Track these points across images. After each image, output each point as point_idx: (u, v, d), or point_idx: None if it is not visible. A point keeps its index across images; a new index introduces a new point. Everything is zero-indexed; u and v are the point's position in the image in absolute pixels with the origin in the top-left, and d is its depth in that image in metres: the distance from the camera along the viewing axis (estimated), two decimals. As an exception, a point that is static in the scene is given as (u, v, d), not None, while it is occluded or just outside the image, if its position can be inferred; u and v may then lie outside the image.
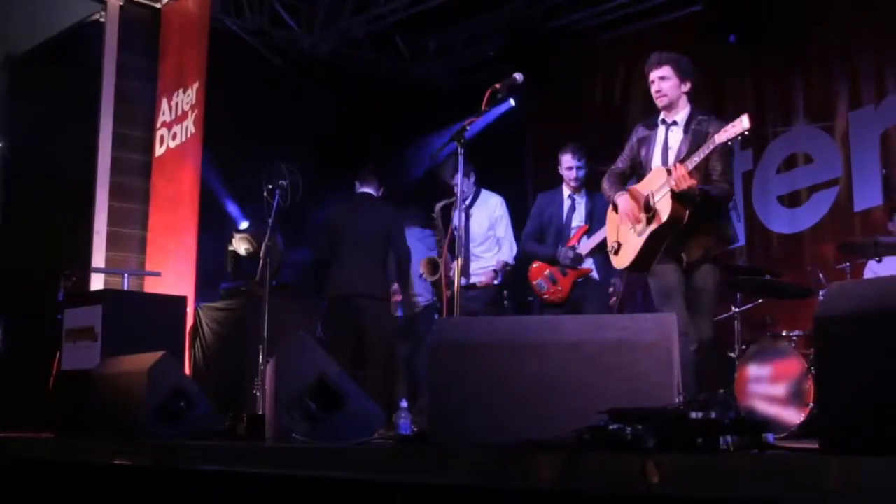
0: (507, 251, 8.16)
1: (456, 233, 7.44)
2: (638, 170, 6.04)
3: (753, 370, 7.14)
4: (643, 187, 5.85)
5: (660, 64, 5.86)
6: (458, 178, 6.23)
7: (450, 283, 7.13)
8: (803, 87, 9.55)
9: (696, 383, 5.37)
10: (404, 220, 8.75)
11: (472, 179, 8.09)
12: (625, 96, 10.73)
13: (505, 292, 7.97)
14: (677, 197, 5.54)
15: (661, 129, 5.92)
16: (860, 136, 9.07)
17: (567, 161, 7.79)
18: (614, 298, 7.63)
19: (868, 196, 8.91)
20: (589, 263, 7.64)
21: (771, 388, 7.00)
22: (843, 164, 9.15)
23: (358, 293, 8.20)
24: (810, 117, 9.46)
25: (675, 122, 5.87)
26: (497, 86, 5.92)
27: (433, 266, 7.78)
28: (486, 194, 8.25)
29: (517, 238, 8.16)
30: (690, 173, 5.47)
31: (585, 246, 7.60)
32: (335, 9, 11.00)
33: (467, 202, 7.89)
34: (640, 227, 5.79)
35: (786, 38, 9.41)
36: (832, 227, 9.14)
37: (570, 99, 11.17)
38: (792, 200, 9.53)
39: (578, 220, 7.76)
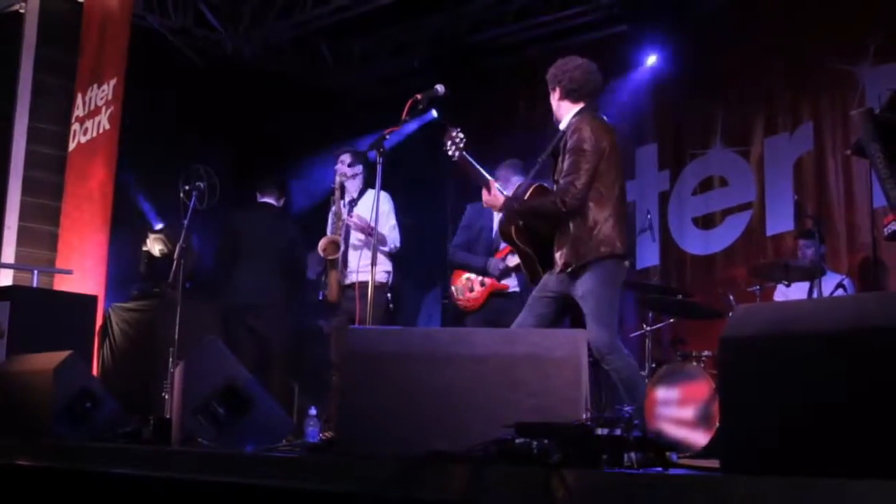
0: (391, 243, 7.79)
1: (351, 229, 7.48)
2: None
3: (662, 393, 7.18)
4: None
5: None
6: (377, 187, 6.22)
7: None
8: (721, 111, 9.71)
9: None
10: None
11: (361, 177, 7.95)
12: (546, 112, 10.79)
13: (389, 295, 7.88)
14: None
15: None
16: (774, 163, 9.24)
17: (516, 181, 7.39)
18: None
19: (780, 221, 9.07)
20: (512, 281, 7.63)
21: (679, 411, 7.06)
22: (757, 189, 9.32)
23: (261, 302, 8.15)
24: (727, 142, 9.62)
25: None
26: (418, 96, 5.91)
27: (335, 246, 7.66)
28: (371, 191, 7.94)
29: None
30: (532, 190, 5.65)
31: (513, 258, 7.57)
32: (260, 12, 10.93)
33: (354, 196, 7.83)
34: None
35: (707, 63, 9.57)
36: (744, 250, 9.30)
37: (492, 112, 11.22)
38: (706, 222, 9.67)
39: None
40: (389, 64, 11.98)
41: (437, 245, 11.30)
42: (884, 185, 3.51)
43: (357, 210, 7.78)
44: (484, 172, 5.80)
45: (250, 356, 7.96)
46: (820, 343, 2.56)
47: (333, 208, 7.80)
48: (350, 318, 7.42)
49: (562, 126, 5.66)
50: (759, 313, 2.81)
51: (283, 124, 11.05)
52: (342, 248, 7.58)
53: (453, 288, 7.82)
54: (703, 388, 6.91)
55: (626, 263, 5.64)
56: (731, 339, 2.74)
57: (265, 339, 8.17)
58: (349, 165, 7.80)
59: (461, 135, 5.73)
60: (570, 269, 5.40)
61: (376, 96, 12.11)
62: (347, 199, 7.82)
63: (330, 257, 7.58)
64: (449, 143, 5.74)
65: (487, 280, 7.62)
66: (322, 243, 7.61)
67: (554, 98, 5.73)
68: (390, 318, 8.02)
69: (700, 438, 6.73)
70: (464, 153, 5.73)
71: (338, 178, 7.79)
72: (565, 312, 5.63)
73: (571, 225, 5.42)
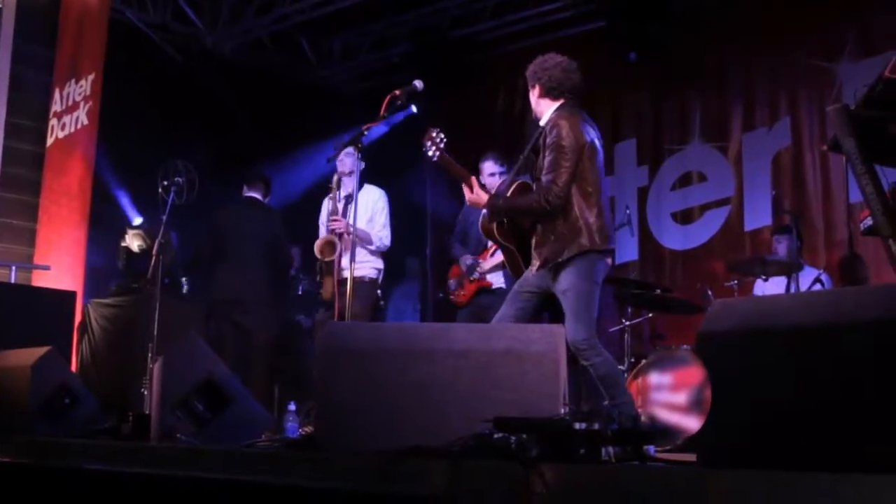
0: (378, 241, 7.75)
1: (344, 233, 7.43)
2: None
3: (654, 378, 7.19)
4: None
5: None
6: (354, 182, 6.22)
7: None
8: (700, 107, 9.75)
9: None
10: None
11: (358, 173, 7.87)
12: (525, 108, 10.81)
13: (379, 292, 7.89)
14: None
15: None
16: (752, 158, 9.28)
17: (489, 168, 7.61)
18: None
19: (758, 216, 9.12)
20: (498, 278, 7.63)
21: (672, 396, 7.07)
22: (736, 184, 9.36)
23: (246, 298, 8.16)
24: (705, 137, 9.66)
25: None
26: (397, 92, 5.92)
27: (331, 247, 7.58)
28: (368, 187, 7.78)
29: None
30: (514, 187, 5.65)
31: (490, 262, 7.61)
32: (239, 7, 10.91)
33: (350, 192, 7.77)
34: None
35: (685, 59, 9.61)
36: (723, 244, 9.35)
37: (472, 108, 11.22)
38: (685, 217, 9.72)
39: None
40: (369, 59, 11.98)
41: (414, 243, 11.32)
42: (859, 180, 3.53)
43: (352, 205, 7.73)
44: (465, 171, 5.79)
45: (234, 351, 7.96)
46: (797, 337, 2.57)
47: (329, 205, 7.77)
48: (339, 314, 7.41)
49: (542, 122, 5.64)
50: (737, 308, 2.82)
51: (263, 119, 11.02)
52: (338, 248, 7.47)
53: (449, 282, 7.90)
54: (695, 372, 6.93)
55: (609, 261, 5.62)
56: (708, 333, 2.74)
57: (251, 335, 8.19)
58: (345, 161, 7.73)
59: (441, 135, 5.72)
60: (549, 266, 5.40)
61: (356, 91, 12.13)
62: (343, 193, 7.75)
63: (327, 259, 7.49)
64: (429, 143, 5.73)
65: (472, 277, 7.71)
66: (318, 245, 7.53)
67: (533, 95, 5.69)
68: (380, 314, 8.04)
69: (693, 423, 6.74)
70: (444, 153, 5.72)
71: (335, 176, 7.75)
72: (545, 307, 5.62)
73: (554, 222, 5.41)
